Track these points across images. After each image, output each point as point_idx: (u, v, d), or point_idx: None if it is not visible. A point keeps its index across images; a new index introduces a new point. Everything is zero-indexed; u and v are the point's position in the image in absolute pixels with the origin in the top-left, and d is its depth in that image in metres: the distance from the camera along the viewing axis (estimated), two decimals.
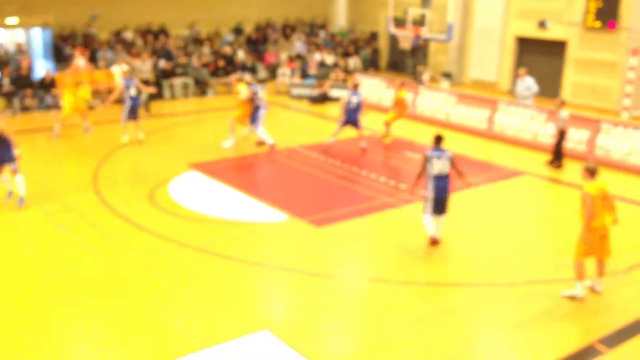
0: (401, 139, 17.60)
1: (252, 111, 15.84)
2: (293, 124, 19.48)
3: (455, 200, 13.05)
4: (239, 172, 14.48)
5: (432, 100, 19.55)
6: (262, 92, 16.61)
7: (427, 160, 10.34)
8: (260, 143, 16.19)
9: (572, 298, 8.94)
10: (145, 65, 21.11)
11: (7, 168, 11.89)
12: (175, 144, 16.41)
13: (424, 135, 18.12)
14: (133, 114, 16.25)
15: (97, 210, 11.92)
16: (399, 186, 13.55)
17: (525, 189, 14.01)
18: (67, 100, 16.95)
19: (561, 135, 14.96)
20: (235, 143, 16.26)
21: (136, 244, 10.54)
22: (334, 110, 21.19)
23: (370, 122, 19.78)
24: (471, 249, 10.71)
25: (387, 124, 16.78)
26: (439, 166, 10.29)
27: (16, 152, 11.82)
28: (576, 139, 15.96)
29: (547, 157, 15.72)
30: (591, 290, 9.16)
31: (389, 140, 16.79)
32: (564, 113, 14.84)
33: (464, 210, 12.49)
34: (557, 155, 15.17)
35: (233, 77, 17.42)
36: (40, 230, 11.01)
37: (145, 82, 19.66)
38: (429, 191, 10.37)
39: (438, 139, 10.52)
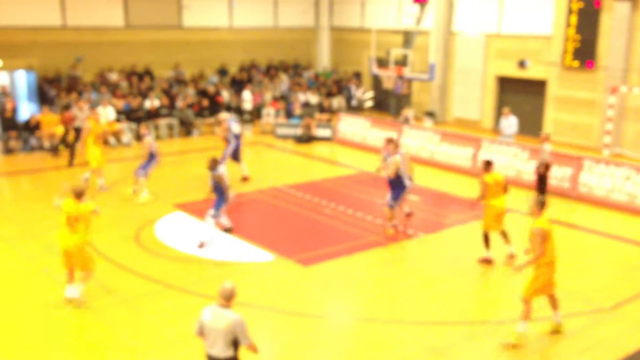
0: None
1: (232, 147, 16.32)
2: (278, 163, 19.53)
3: (442, 237, 13.10)
4: (225, 212, 14.40)
5: (416, 138, 19.73)
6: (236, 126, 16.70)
7: None
8: (245, 179, 16.58)
9: None
10: (106, 111, 20.42)
11: None
12: (160, 184, 16.33)
13: None
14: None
15: None
16: (384, 224, 13.57)
17: (510, 226, 14.05)
18: (92, 151, 15.53)
19: (545, 168, 15.21)
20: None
21: (122, 286, 10.42)
22: (319, 150, 21.30)
23: (357, 161, 19.89)
24: (459, 287, 10.69)
25: None
26: None
27: None
28: (559, 176, 16.12)
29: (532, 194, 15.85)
30: None
31: None
32: (547, 146, 15.12)
33: (451, 248, 12.51)
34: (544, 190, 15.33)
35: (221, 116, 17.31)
36: (23, 272, 10.85)
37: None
38: None
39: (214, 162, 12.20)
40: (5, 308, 9.53)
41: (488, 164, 11.77)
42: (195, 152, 20.49)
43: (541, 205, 8.75)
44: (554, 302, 9.05)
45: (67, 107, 20.18)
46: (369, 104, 26.43)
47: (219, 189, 12.40)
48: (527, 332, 8.76)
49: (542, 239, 8.53)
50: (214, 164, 12.27)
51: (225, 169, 15.71)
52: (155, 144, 15.47)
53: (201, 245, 12.10)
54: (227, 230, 12.87)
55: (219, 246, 12.19)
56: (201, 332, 6.52)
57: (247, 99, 25.09)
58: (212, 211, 12.39)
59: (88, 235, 9.55)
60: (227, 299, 6.41)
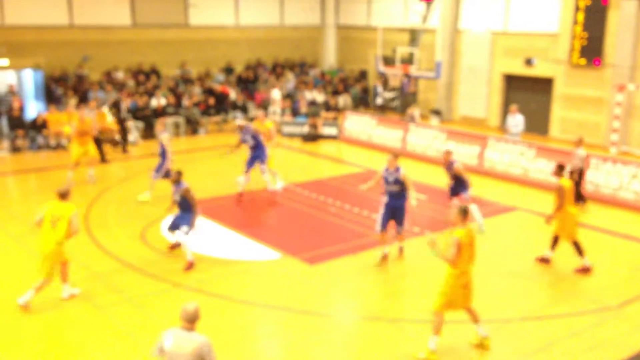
0: None
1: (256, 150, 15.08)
2: (285, 161, 19.52)
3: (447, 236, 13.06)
4: (231, 210, 14.46)
5: (423, 137, 19.70)
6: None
7: None
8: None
9: None
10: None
11: None
12: (166, 182, 16.34)
13: (415, 173, 18.20)
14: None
15: (88, 250, 11.84)
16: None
17: (517, 224, 14.05)
18: (73, 148, 16.08)
19: (579, 174, 14.72)
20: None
21: (128, 284, 10.45)
22: (325, 148, 21.30)
23: (364, 160, 19.88)
24: None
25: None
26: None
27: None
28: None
29: (538, 193, 15.79)
30: None
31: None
32: (581, 152, 14.75)
33: None
34: (579, 196, 14.45)
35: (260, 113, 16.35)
36: (30, 270, 10.89)
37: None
38: None
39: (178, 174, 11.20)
40: (12, 305, 9.57)
41: (561, 168, 10.89)
42: (202, 151, 20.52)
43: (464, 214, 8.12)
44: (472, 316, 8.51)
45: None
46: (395, 103, 26.34)
47: (186, 205, 11.23)
48: (437, 349, 8.22)
49: (457, 250, 8.02)
50: (178, 177, 11.22)
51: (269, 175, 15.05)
52: (170, 142, 14.83)
53: (188, 267, 11.04)
54: (174, 247, 11.86)
55: (225, 244, 12.22)
56: (160, 353, 6.04)
57: (277, 98, 24.63)
58: (184, 228, 11.09)
59: (66, 236, 9.50)
60: (191, 321, 5.97)
